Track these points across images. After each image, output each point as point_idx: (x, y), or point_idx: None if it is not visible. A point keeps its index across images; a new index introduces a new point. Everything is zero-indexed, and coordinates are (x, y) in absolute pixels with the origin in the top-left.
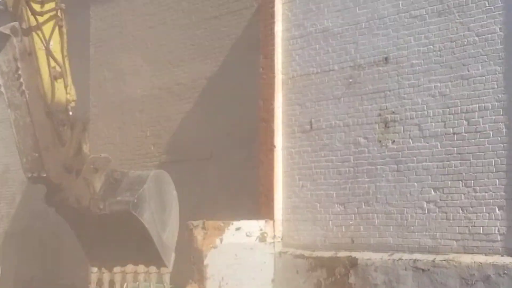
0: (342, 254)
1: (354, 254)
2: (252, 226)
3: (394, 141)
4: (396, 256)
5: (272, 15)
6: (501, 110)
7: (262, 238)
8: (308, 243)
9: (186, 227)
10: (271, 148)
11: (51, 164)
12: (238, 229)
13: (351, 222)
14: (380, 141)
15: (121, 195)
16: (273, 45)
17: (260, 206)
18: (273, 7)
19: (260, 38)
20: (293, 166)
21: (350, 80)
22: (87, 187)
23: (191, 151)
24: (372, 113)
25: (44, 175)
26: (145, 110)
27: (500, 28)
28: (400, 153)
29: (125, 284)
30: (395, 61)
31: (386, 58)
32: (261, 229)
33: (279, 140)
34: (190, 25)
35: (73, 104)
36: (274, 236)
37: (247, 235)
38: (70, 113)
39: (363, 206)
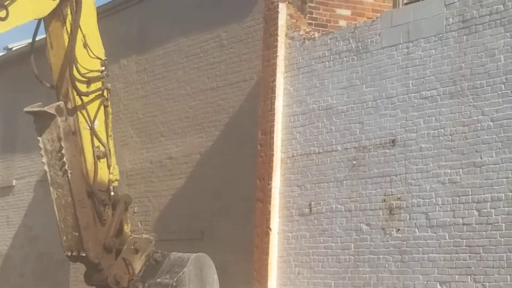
0: None
1: None
2: None
3: (399, 229)
4: None
5: (272, 89)
6: None
7: None
8: None
9: None
10: (266, 231)
11: (90, 243)
12: None
13: None
14: (383, 229)
15: (160, 277)
16: (272, 121)
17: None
18: (274, 80)
19: (259, 113)
20: (290, 251)
21: (354, 162)
22: (127, 268)
23: (182, 230)
24: (376, 199)
25: (84, 254)
26: (133, 185)
27: None
28: (405, 242)
29: None
30: (402, 144)
31: (393, 140)
32: None
33: (275, 222)
34: (185, 96)
35: (115, 183)
36: None
37: None
38: (112, 193)
39: None
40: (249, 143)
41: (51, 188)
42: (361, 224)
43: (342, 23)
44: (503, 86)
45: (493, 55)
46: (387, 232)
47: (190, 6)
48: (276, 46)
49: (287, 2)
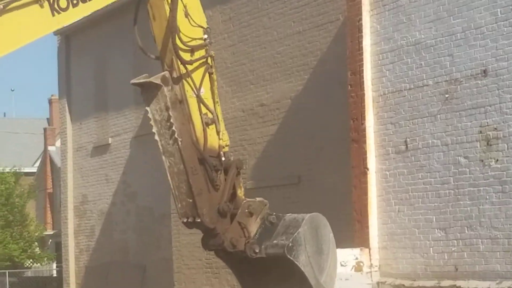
0: (446, 283)
1: (458, 283)
2: (347, 255)
3: (497, 160)
4: (505, 284)
5: (359, 29)
6: None
7: (358, 267)
8: (408, 272)
9: None
10: (364, 171)
11: (205, 209)
12: None
13: (453, 249)
14: (482, 161)
15: (276, 239)
16: (361, 60)
17: (354, 234)
18: (360, 20)
19: (347, 53)
20: (388, 190)
21: (447, 96)
22: (242, 231)
23: (278, 176)
24: (472, 130)
25: (199, 220)
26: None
27: None
28: (504, 172)
29: None
30: (494, 74)
31: (484, 71)
32: (356, 258)
33: (372, 162)
34: (272, 42)
35: (226, 149)
36: (371, 265)
37: (342, 265)
38: (223, 158)
39: (466, 231)
40: (338, 84)
41: (163, 157)
42: (459, 157)
43: None
44: None
45: None
46: (485, 163)
47: None
48: None
49: None
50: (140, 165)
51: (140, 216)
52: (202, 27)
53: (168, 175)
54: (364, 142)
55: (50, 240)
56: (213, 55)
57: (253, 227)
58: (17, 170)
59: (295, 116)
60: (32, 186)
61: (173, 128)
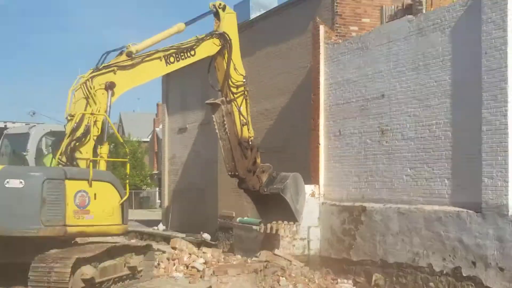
0: (357, 204)
1: (364, 204)
2: (309, 188)
3: (386, 141)
4: (388, 205)
5: (318, 71)
6: None
7: (313, 194)
8: (337, 197)
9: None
10: (317, 145)
11: (240, 168)
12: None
13: (362, 186)
14: (379, 141)
15: (276, 185)
16: (318, 88)
17: (312, 178)
18: (318, 66)
19: (312, 83)
20: (329, 156)
21: (362, 107)
22: (258, 180)
23: (273, 146)
24: (374, 126)
25: (237, 173)
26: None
27: None
28: (390, 148)
29: (280, 227)
30: (387, 96)
31: (382, 95)
32: (312, 190)
33: (322, 141)
34: (272, 77)
35: (252, 138)
36: (319, 194)
37: (307, 193)
38: (250, 142)
39: (369, 178)
40: (306, 100)
41: (219, 141)
42: (367, 139)
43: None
44: None
45: None
46: (380, 143)
47: None
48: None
49: (323, 24)
50: (201, 139)
51: (201, 164)
52: (242, 75)
53: (222, 150)
54: (318, 130)
55: (155, 176)
56: (248, 89)
57: (264, 178)
58: (139, 139)
59: (283, 116)
60: (146, 148)
61: (225, 126)
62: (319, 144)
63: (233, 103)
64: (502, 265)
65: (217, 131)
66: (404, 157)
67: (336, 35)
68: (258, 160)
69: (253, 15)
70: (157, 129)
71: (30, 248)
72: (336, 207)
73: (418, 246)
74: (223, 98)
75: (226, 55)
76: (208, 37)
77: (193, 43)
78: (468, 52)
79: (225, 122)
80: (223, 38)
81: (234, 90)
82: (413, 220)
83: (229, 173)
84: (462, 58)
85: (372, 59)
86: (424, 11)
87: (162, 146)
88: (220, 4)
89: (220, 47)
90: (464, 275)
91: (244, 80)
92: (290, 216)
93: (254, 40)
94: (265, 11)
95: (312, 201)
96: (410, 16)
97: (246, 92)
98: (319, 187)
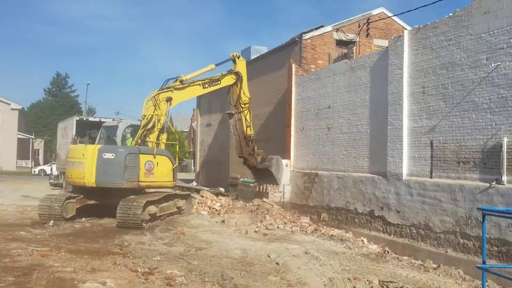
0: (313, 171)
1: (317, 171)
2: (284, 162)
3: (331, 134)
4: (331, 172)
5: (291, 91)
6: None
7: (287, 165)
8: (301, 167)
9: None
10: (289, 136)
11: (245, 153)
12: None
13: (316, 160)
14: (326, 135)
15: (266, 163)
16: (291, 102)
17: (285, 154)
18: (291, 88)
19: (287, 99)
20: (297, 142)
21: (316, 114)
22: (256, 160)
23: (263, 136)
24: (324, 125)
25: (243, 156)
26: None
27: None
28: (333, 138)
29: (269, 187)
30: (332, 107)
31: (329, 106)
32: (286, 163)
33: (292, 133)
34: (262, 96)
35: (252, 134)
36: (291, 165)
37: (284, 164)
38: (251, 137)
39: (320, 156)
40: (284, 109)
41: (233, 136)
42: (319, 133)
43: (318, 67)
44: None
45: None
46: (327, 136)
47: None
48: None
49: (294, 63)
50: (220, 131)
51: (219, 146)
52: (248, 97)
53: (234, 141)
54: (290, 127)
55: (192, 152)
56: (251, 106)
57: (259, 159)
58: (182, 130)
59: (269, 118)
60: (186, 135)
61: (237, 127)
62: (291, 136)
63: (242, 114)
64: (398, 209)
65: (231, 129)
66: (341, 144)
67: (302, 70)
68: (255, 148)
69: (252, 57)
70: (193, 124)
71: (118, 194)
72: (300, 173)
73: (349, 197)
74: (236, 110)
75: (239, 85)
76: (228, 74)
77: (219, 77)
78: (380, 82)
79: (236, 125)
80: (237, 75)
81: (242, 106)
82: (346, 181)
83: (238, 155)
84: (376, 86)
85: (323, 84)
86: (354, 57)
87: (196, 134)
88: (236, 55)
89: (235, 80)
90: (376, 215)
91: (249, 100)
92: (274, 181)
93: (253, 72)
94: (259, 55)
95: (286, 170)
96: (346, 60)
97: (249, 107)
98: (290, 161)
